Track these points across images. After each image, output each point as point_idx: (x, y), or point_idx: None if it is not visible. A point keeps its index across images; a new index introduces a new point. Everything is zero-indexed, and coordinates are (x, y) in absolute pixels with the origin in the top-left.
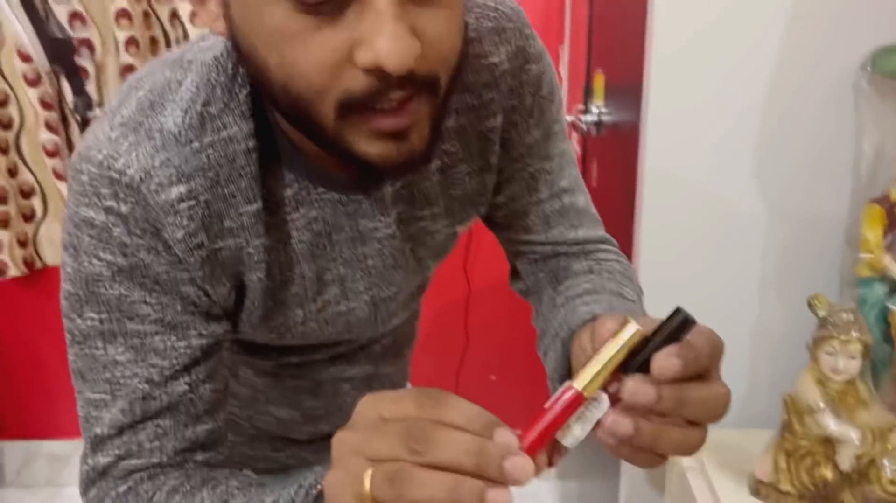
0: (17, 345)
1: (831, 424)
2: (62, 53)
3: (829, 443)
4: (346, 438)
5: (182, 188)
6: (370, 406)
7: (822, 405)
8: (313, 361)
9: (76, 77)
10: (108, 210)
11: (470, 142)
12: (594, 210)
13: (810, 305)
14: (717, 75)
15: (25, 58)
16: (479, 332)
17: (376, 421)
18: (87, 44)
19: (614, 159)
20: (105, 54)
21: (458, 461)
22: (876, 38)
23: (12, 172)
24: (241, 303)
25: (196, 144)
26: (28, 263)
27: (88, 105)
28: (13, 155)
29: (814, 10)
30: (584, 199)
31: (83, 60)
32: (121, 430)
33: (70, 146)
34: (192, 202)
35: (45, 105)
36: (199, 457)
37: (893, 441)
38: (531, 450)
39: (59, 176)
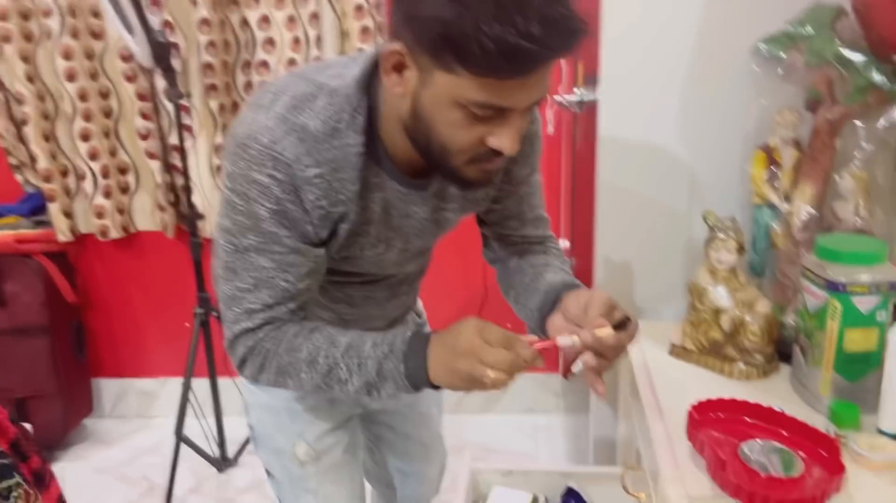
0: (113, 297)
1: (716, 299)
2: (163, 55)
3: (717, 314)
4: (468, 342)
5: (316, 170)
6: (476, 331)
7: (710, 287)
8: (352, 282)
9: (171, 74)
10: (270, 176)
11: None
12: (548, 217)
13: (704, 218)
14: (650, 62)
15: (126, 59)
16: (496, 289)
17: (482, 342)
18: (175, 46)
19: (589, 129)
20: (189, 54)
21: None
22: (760, 30)
23: (112, 153)
24: (329, 241)
25: (327, 145)
26: (124, 228)
27: (180, 95)
28: (113, 139)
29: (717, 11)
30: (544, 212)
31: (173, 59)
32: (266, 307)
33: (160, 131)
34: (321, 180)
35: (140, 97)
36: (300, 314)
37: (757, 308)
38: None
39: (149, 155)
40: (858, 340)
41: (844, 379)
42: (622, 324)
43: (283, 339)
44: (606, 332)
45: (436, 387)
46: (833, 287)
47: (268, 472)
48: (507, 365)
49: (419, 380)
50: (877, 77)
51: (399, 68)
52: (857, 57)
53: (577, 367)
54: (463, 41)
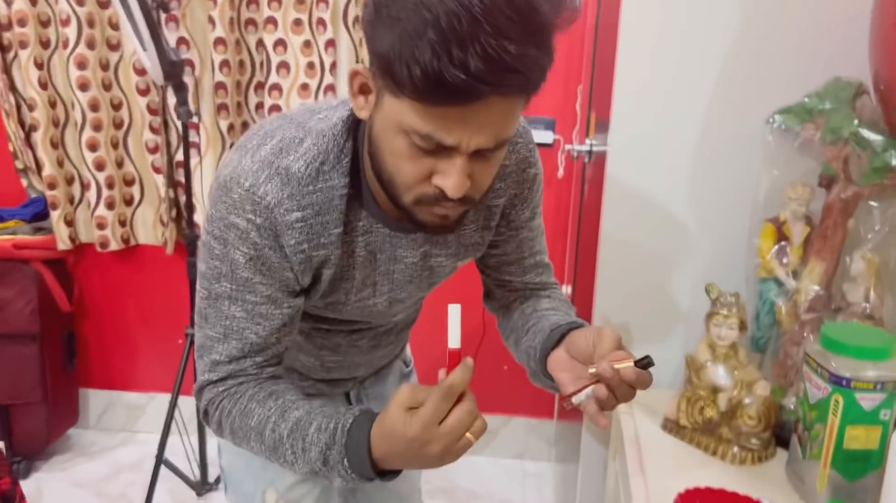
0: (107, 308)
1: (714, 376)
2: (175, 72)
3: (714, 391)
4: (425, 441)
5: (298, 214)
6: (422, 433)
7: (709, 363)
8: (338, 331)
9: (182, 91)
10: (248, 220)
11: (480, 211)
12: (550, 264)
13: (706, 291)
14: (663, 121)
15: (140, 72)
16: (493, 327)
17: (433, 429)
18: (189, 63)
19: (598, 181)
20: (202, 72)
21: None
22: (777, 100)
23: (119, 164)
24: (313, 286)
25: (311, 188)
26: (125, 240)
27: (189, 114)
28: (121, 150)
29: (734, 77)
30: (547, 258)
31: (185, 77)
32: (231, 360)
33: (168, 146)
34: (303, 224)
35: (151, 111)
36: (269, 369)
37: (756, 390)
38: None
39: (156, 170)
40: (860, 438)
41: (843, 477)
42: (646, 364)
43: (239, 400)
44: (627, 366)
45: (391, 476)
46: (836, 380)
47: None
48: (468, 414)
49: (367, 474)
50: (895, 160)
51: (364, 90)
52: (875, 137)
53: (579, 399)
54: (397, 64)
